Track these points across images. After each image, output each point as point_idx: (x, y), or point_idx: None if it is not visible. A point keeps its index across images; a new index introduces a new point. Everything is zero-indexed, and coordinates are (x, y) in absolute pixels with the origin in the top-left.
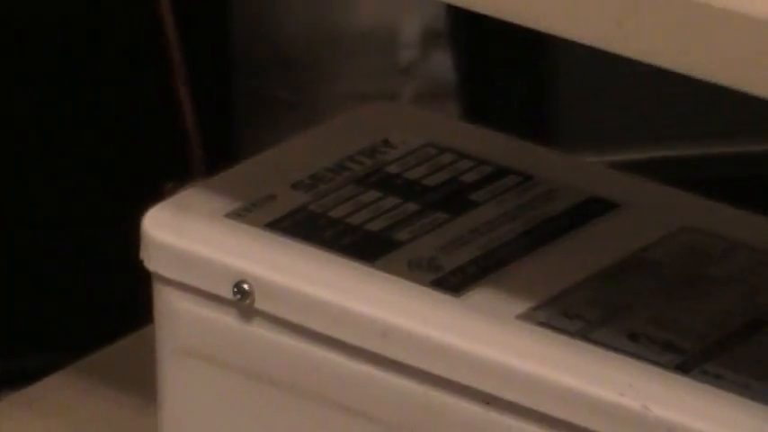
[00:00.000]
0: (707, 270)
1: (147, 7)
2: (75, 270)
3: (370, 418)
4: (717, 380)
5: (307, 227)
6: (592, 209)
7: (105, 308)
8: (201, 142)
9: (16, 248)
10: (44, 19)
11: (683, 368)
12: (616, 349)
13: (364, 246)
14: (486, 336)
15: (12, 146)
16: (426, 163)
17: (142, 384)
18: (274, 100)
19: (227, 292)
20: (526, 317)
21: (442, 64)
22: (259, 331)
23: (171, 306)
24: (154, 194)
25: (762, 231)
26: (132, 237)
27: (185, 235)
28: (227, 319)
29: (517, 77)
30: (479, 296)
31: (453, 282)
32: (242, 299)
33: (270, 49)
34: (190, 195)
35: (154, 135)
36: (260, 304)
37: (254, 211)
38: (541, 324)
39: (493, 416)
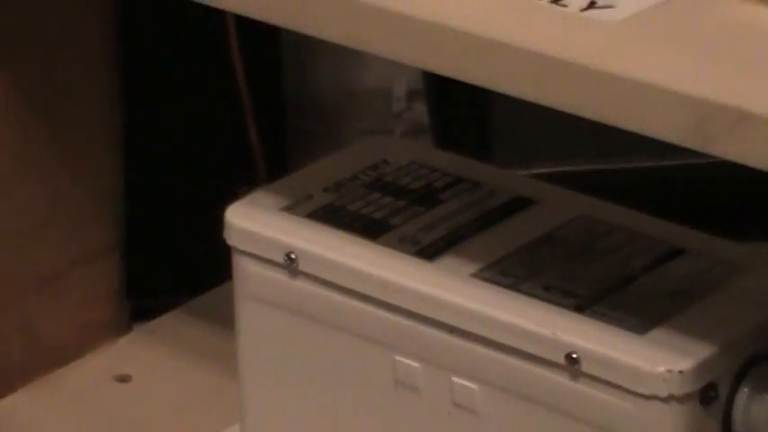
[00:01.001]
0: (595, 244)
1: (225, 71)
2: (184, 243)
3: (374, 342)
4: (602, 316)
5: (333, 216)
6: (519, 204)
7: (203, 268)
8: (264, 161)
9: (152, 227)
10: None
11: (580, 309)
12: (536, 296)
13: (370, 228)
14: (450, 287)
15: (152, 164)
16: (410, 175)
17: (228, 319)
18: (312, 133)
19: (280, 258)
20: (476, 275)
21: (420, 112)
22: (301, 285)
23: (243, 268)
24: (232, 195)
25: (632, 218)
26: (219, 222)
27: (253, 221)
28: (280, 277)
29: (469, 118)
30: (446, 261)
31: (428, 252)
32: (290, 263)
33: (309, 100)
34: (256, 196)
35: (233, 157)
36: (302, 267)
37: (298, 206)
38: (486, 279)
39: (454, 340)
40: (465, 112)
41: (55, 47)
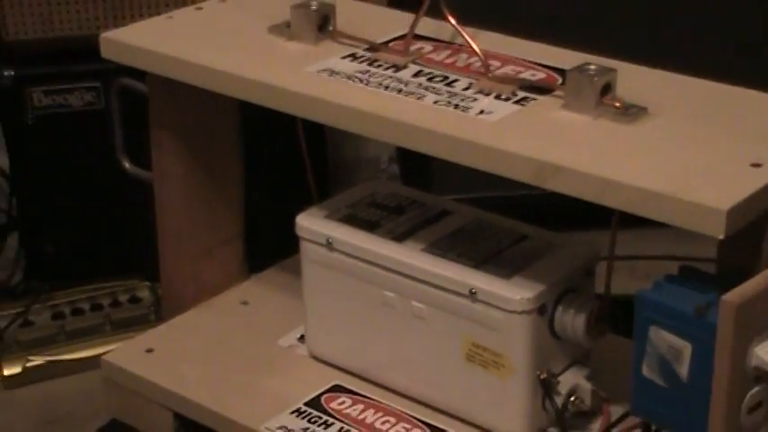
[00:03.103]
0: (483, 233)
1: (295, 146)
2: (276, 233)
3: (373, 283)
4: (487, 269)
5: (350, 220)
6: (444, 214)
7: (284, 247)
8: (316, 192)
9: (262, 225)
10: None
11: (476, 266)
12: (453, 260)
13: (369, 226)
14: (409, 256)
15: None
16: (389, 199)
17: (297, 272)
18: (340, 178)
19: (324, 242)
20: (423, 249)
21: (395, 168)
22: (335, 255)
23: (305, 247)
24: (300, 210)
25: (502, 221)
26: (293, 223)
27: (310, 223)
28: (324, 251)
29: (419, 170)
30: (408, 242)
31: (399, 238)
32: (329, 244)
33: (339, 161)
34: (311, 210)
35: (300, 190)
36: (335, 246)
37: (333, 215)
38: (428, 252)
39: (413, 282)
40: (417, 167)
41: (209, 129)
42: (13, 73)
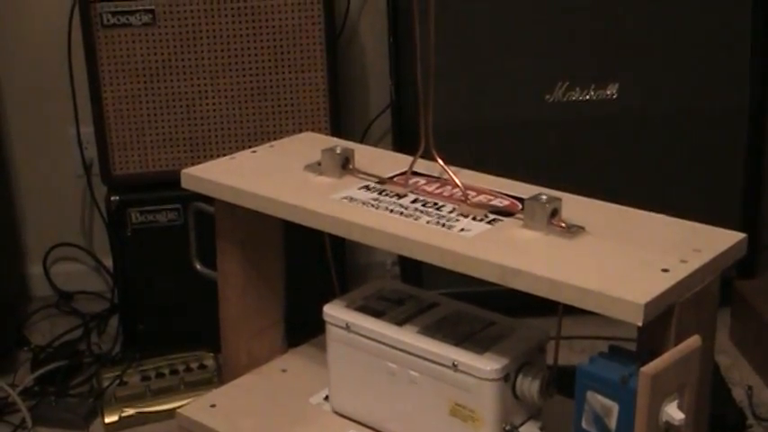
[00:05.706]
0: (462, 320)
1: (324, 254)
2: (308, 319)
3: (378, 356)
4: (466, 346)
5: (363, 309)
6: (434, 304)
7: (313, 329)
8: (339, 288)
9: (299, 313)
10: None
11: (457, 344)
12: (439, 339)
13: (377, 313)
14: (408, 336)
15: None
16: (392, 294)
17: (323, 347)
18: (356, 278)
19: (344, 326)
20: (418, 331)
21: (397, 270)
22: (351, 335)
23: (329, 329)
24: (326, 301)
25: (476, 310)
26: (320, 312)
27: (333, 311)
28: (343, 332)
29: (413, 270)
30: (407, 327)
31: (400, 323)
32: (347, 327)
33: (355, 265)
34: (334, 302)
35: (326, 287)
36: (352, 328)
37: (350, 305)
38: (421, 333)
39: (409, 356)
40: (413, 269)
41: (260, 241)
42: (118, 198)
